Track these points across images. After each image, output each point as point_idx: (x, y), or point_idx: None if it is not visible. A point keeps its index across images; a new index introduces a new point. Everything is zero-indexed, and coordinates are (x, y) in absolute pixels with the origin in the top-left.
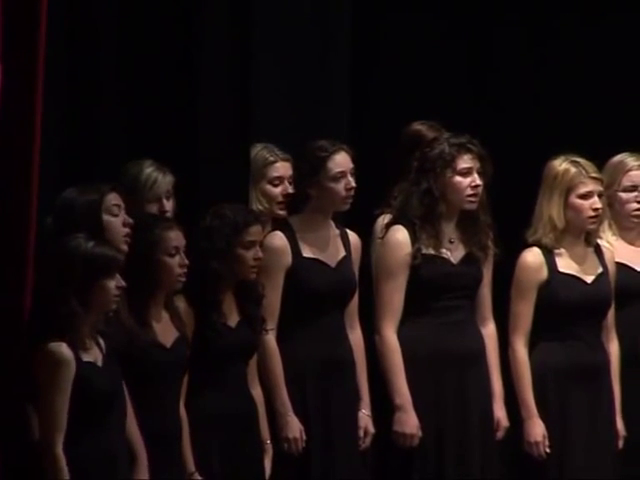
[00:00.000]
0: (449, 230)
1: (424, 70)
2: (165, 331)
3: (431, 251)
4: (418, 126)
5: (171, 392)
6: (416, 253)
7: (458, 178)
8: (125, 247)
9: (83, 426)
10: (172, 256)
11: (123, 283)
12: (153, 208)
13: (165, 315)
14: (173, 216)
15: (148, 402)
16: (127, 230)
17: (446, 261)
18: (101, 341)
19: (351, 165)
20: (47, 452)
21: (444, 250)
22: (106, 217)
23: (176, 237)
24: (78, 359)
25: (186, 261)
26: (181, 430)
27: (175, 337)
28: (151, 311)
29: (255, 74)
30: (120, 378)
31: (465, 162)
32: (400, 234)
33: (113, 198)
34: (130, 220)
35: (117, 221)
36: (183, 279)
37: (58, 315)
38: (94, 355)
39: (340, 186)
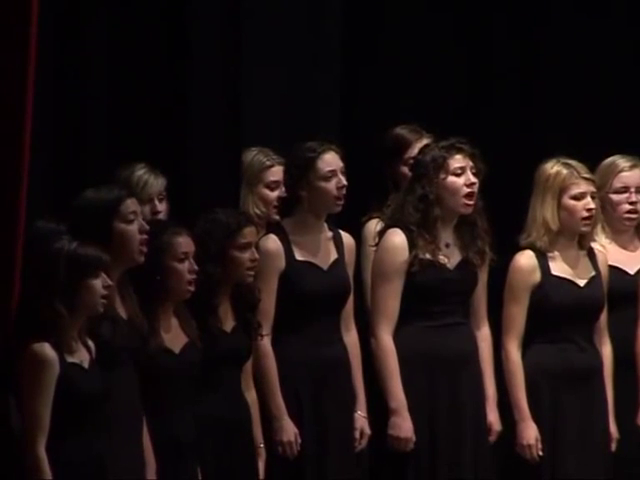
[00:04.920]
0: (446, 235)
1: (417, 74)
2: (174, 337)
3: (428, 256)
4: (399, 130)
5: (180, 398)
6: (413, 259)
7: (452, 178)
8: (141, 256)
9: (67, 427)
10: (181, 262)
11: (110, 282)
12: (145, 209)
13: (174, 321)
14: (167, 219)
15: (157, 408)
16: (144, 237)
17: (443, 267)
18: (91, 343)
19: (341, 164)
20: (29, 452)
21: (441, 256)
22: (122, 225)
23: (185, 243)
24: (62, 360)
25: (195, 267)
26: (192, 435)
27: (184, 343)
28: (160, 317)
29: (246, 78)
30: (116, 381)
31: (457, 162)
32: (398, 238)
33: (130, 205)
34: (147, 226)
35: (133, 229)
36: (193, 285)
37: (43, 317)
38: (80, 357)
39: (331, 185)
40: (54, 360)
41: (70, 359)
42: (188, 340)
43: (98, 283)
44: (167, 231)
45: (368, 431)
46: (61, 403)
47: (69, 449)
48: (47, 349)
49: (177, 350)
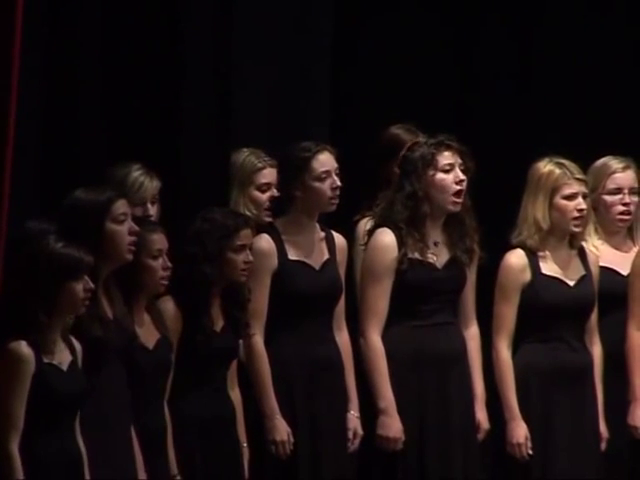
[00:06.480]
0: (434, 233)
1: (408, 73)
2: (147, 332)
3: (417, 255)
4: (395, 130)
5: (155, 393)
6: (402, 258)
7: (441, 175)
8: (130, 256)
9: (42, 426)
10: (155, 259)
11: (92, 286)
12: (137, 212)
13: (147, 317)
14: (157, 220)
15: (132, 403)
16: (133, 238)
17: (431, 266)
18: (77, 345)
19: (335, 165)
20: (0, 449)
21: (430, 255)
22: (112, 226)
23: (159, 240)
24: (38, 358)
25: (169, 264)
26: (165, 431)
27: (157, 338)
28: (133, 313)
29: (236, 77)
30: (106, 380)
31: (446, 158)
32: (387, 237)
33: (121, 206)
34: (136, 228)
35: (123, 230)
36: (166, 282)
37: (22, 316)
38: (60, 358)
39: (325, 186)
40: (29, 357)
41: (47, 359)
42: (160, 336)
43: (79, 286)
44: (142, 228)
45: (361, 431)
46: (35, 402)
47: (43, 448)
48: (23, 347)
49: (151, 346)
